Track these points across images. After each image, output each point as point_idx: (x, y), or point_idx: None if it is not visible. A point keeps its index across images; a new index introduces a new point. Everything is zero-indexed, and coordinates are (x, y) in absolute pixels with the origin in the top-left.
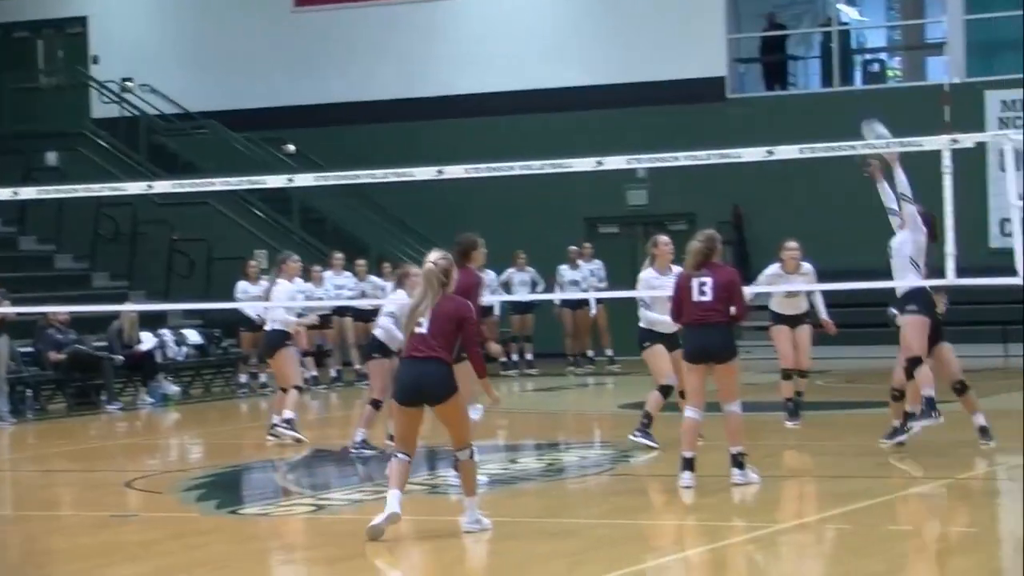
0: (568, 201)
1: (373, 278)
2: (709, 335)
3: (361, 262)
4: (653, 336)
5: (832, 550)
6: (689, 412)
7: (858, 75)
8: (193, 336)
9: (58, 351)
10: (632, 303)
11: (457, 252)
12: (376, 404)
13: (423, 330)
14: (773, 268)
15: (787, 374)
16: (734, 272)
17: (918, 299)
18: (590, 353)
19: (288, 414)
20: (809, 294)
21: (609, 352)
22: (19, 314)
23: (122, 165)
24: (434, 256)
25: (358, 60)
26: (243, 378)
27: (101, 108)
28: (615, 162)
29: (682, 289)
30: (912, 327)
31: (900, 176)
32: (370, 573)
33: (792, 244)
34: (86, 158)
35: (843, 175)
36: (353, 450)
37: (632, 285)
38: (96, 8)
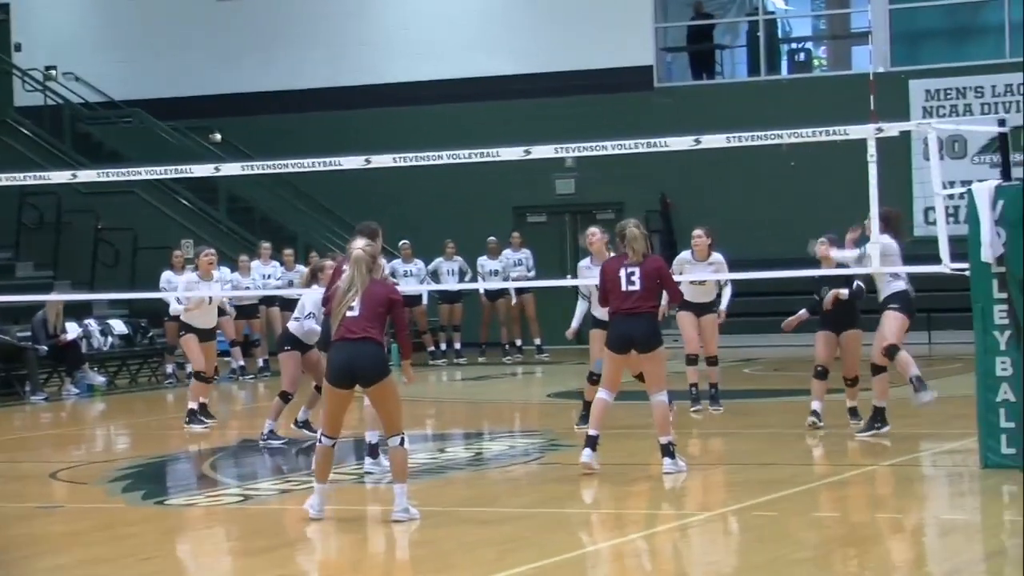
0: (497, 190)
1: (300, 267)
2: (635, 324)
3: (289, 252)
4: (598, 323)
5: (759, 537)
6: (602, 394)
7: (785, 64)
8: (119, 326)
9: None
10: (561, 292)
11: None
12: (285, 396)
13: (355, 313)
14: (684, 255)
15: (691, 359)
16: (660, 260)
17: (900, 299)
18: (518, 342)
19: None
20: (721, 282)
21: (537, 341)
22: None
23: (46, 154)
24: (361, 243)
25: (286, 48)
26: (169, 368)
27: (24, 96)
28: (543, 151)
29: (609, 278)
30: (891, 321)
31: (845, 255)
32: (297, 563)
33: (699, 231)
34: (9, 147)
35: (770, 163)
36: (262, 441)
37: (561, 274)
38: None
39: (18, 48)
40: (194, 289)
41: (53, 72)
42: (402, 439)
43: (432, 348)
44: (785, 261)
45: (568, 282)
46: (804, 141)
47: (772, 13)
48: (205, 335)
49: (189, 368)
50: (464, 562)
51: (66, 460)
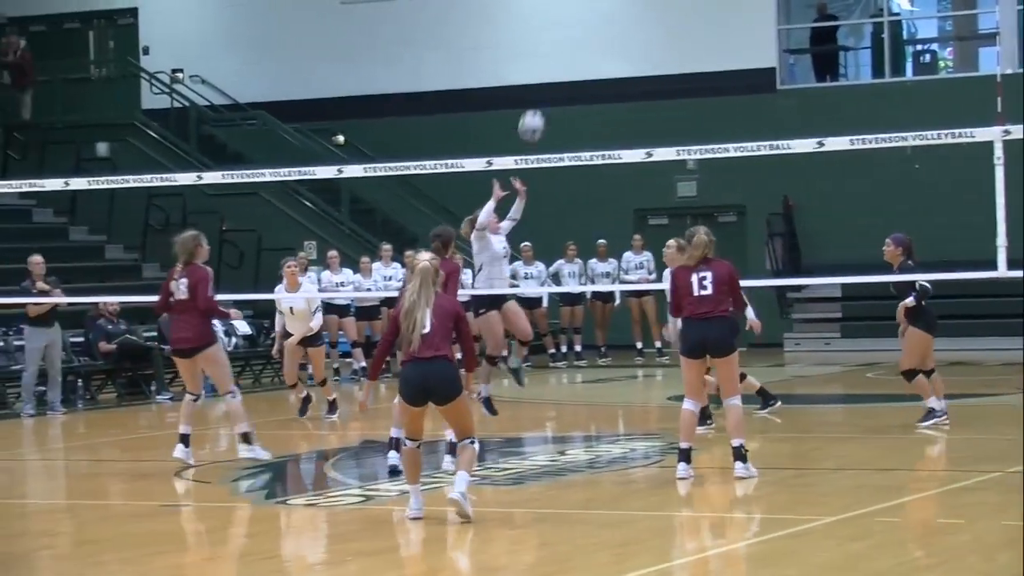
0: (618, 192)
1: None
2: (709, 329)
3: (410, 253)
4: None
5: (881, 543)
6: (687, 404)
7: (909, 66)
8: (243, 327)
9: (108, 341)
10: None
11: (442, 243)
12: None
13: (426, 330)
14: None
15: None
16: (731, 265)
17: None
18: (639, 345)
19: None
20: None
21: (658, 344)
22: (70, 304)
23: (172, 156)
24: (427, 255)
25: (408, 51)
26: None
27: (151, 99)
28: (665, 153)
29: (681, 284)
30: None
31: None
32: (417, 563)
33: (526, 244)
34: (136, 149)
35: (894, 166)
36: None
37: None
38: None
39: (146, 51)
40: (281, 303)
41: (180, 75)
42: (474, 439)
43: (552, 351)
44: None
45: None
46: (929, 143)
47: (897, 14)
48: (307, 342)
49: (310, 368)
50: (581, 565)
51: (191, 459)
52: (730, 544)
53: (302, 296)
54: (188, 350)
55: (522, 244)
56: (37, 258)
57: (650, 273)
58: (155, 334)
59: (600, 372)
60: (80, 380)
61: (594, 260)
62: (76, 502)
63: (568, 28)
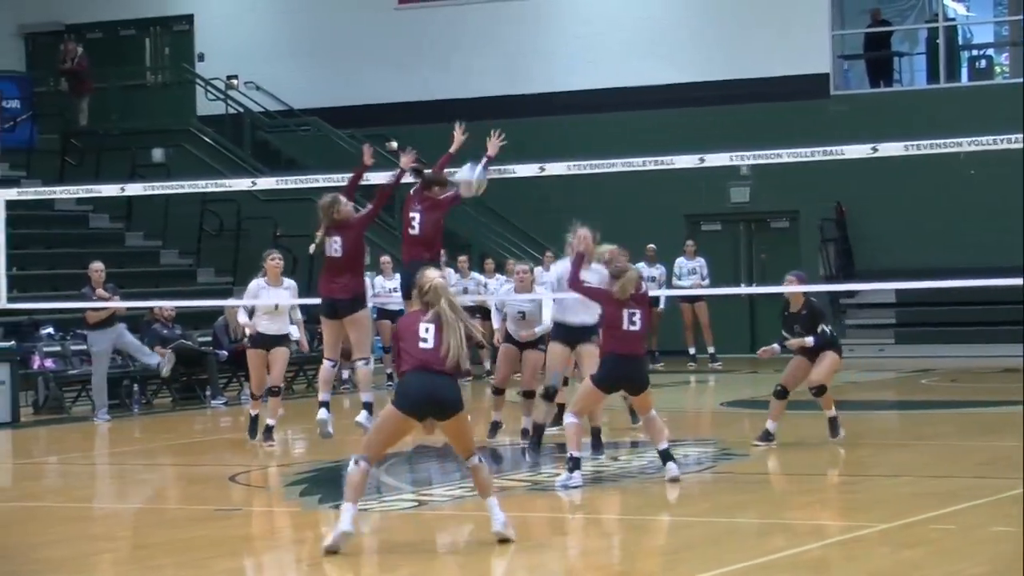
0: (670, 198)
1: (475, 275)
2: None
3: (463, 259)
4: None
5: (936, 551)
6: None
7: (965, 71)
8: (295, 332)
9: (164, 346)
10: (735, 300)
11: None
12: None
13: (429, 345)
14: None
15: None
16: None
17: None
18: (691, 350)
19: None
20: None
21: (711, 349)
22: (128, 309)
23: (227, 162)
24: (435, 272)
25: (461, 57)
26: (346, 374)
27: (206, 105)
28: (718, 159)
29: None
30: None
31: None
32: (468, 570)
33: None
34: (191, 155)
35: (949, 172)
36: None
37: (735, 283)
38: (202, 6)
39: (201, 58)
40: (261, 295)
41: (234, 81)
42: (479, 457)
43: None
44: (962, 271)
45: (743, 290)
46: (983, 149)
47: (952, 19)
48: (274, 342)
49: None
50: (633, 570)
51: (244, 464)
52: (783, 551)
53: (288, 293)
54: (341, 311)
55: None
56: (98, 265)
57: (703, 279)
58: (210, 339)
59: (652, 377)
60: (136, 385)
61: (643, 264)
62: (131, 506)
63: (621, 33)
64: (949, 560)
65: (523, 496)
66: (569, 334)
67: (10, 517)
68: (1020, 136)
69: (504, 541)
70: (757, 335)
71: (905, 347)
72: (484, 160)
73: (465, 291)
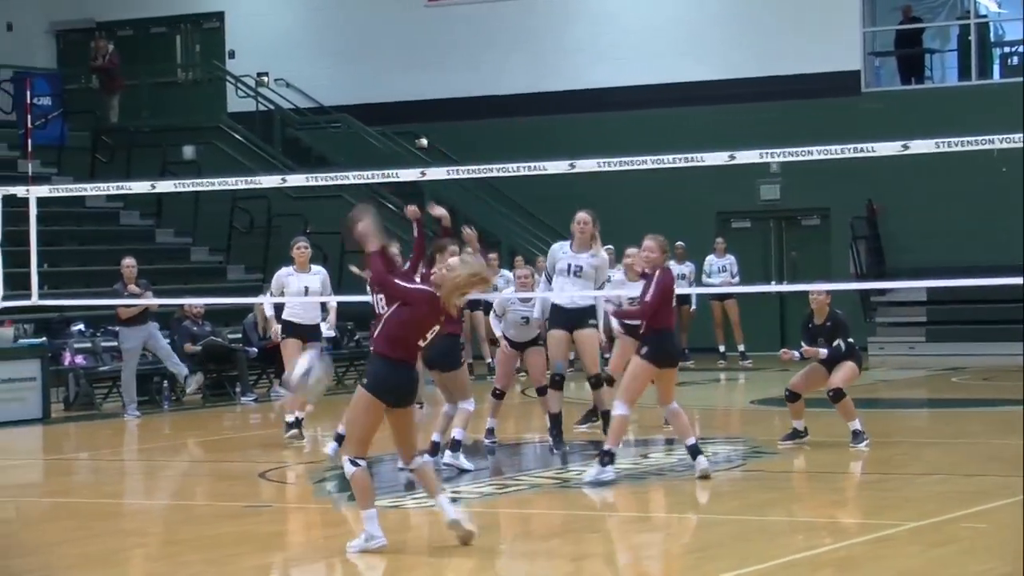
0: (700, 195)
1: (505, 272)
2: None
3: (493, 256)
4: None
5: (966, 549)
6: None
7: (997, 69)
8: (326, 329)
9: (193, 343)
10: (766, 298)
11: (436, 251)
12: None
13: (422, 344)
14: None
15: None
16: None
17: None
18: (721, 348)
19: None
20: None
21: (741, 347)
22: (158, 306)
23: (257, 159)
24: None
25: (491, 54)
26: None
27: (237, 102)
28: (748, 156)
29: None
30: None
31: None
32: (500, 567)
33: (631, 251)
34: (222, 152)
35: (980, 170)
36: (487, 440)
37: (765, 280)
38: (232, 3)
39: (232, 55)
40: (290, 283)
41: (265, 79)
42: (423, 453)
43: None
44: (993, 268)
45: (773, 288)
46: (1016, 146)
47: (984, 16)
48: (307, 333)
49: None
50: (663, 568)
51: (275, 460)
52: (813, 549)
53: (318, 279)
54: None
55: (604, 247)
56: (130, 260)
57: (733, 276)
58: (239, 336)
59: (682, 375)
60: (165, 381)
61: (673, 262)
62: (161, 503)
63: (651, 31)
64: (979, 559)
65: (552, 493)
66: (567, 319)
67: (41, 513)
68: None
69: (464, 537)
70: (787, 333)
71: (936, 345)
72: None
73: (495, 288)
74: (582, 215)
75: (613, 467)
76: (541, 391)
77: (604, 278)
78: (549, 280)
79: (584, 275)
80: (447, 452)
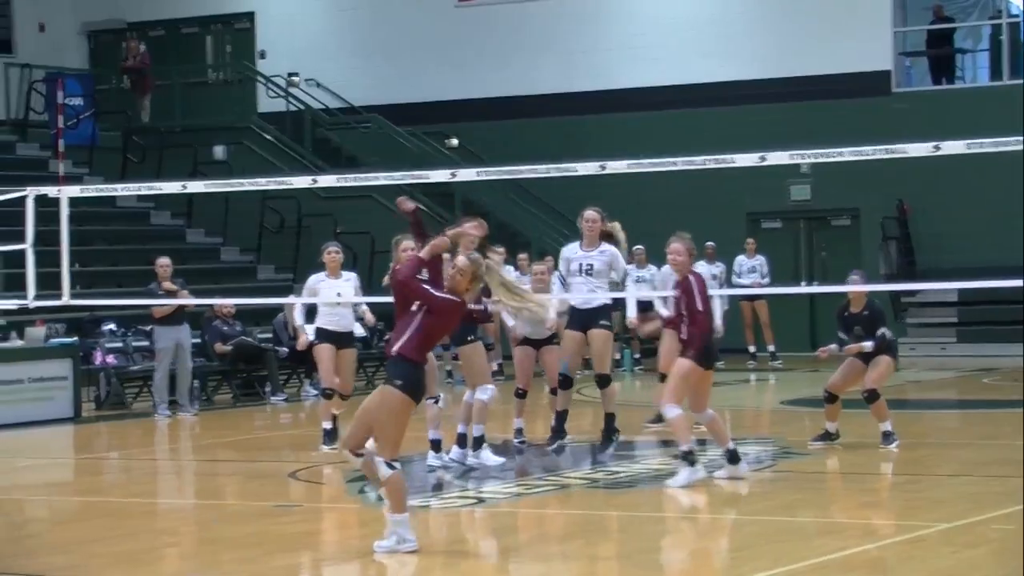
0: (731, 196)
1: (511, 269)
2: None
3: (523, 256)
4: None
5: (996, 550)
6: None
7: None
8: (357, 329)
9: (224, 343)
10: (796, 299)
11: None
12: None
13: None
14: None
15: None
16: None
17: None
18: (752, 349)
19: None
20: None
21: (771, 348)
22: (192, 306)
23: (287, 159)
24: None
25: (521, 54)
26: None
27: (267, 102)
28: (778, 157)
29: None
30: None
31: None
32: (531, 566)
33: (639, 248)
34: (252, 152)
35: (1012, 170)
36: (516, 441)
37: (795, 281)
38: (263, 4)
39: (262, 56)
40: (321, 289)
41: (295, 79)
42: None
43: None
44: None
45: (803, 289)
46: None
47: (1016, 16)
48: (341, 339)
49: None
50: (693, 569)
51: (304, 460)
52: (844, 550)
53: (349, 284)
54: None
55: (635, 247)
56: (164, 260)
57: (763, 277)
58: (270, 335)
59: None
60: (196, 381)
61: (703, 262)
62: (191, 502)
63: (681, 31)
64: (1010, 560)
65: (581, 493)
66: (580, 320)
67: (72, 512)
68: None
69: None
70: (817, 333)
71: (967, 346)
72: None
73: None
74: (590, 213)
75: (700, 464)
76: (555, 391)
77: (621, 270)
78: (563, 283)
79: (596, 272)
80: (469, 454)
